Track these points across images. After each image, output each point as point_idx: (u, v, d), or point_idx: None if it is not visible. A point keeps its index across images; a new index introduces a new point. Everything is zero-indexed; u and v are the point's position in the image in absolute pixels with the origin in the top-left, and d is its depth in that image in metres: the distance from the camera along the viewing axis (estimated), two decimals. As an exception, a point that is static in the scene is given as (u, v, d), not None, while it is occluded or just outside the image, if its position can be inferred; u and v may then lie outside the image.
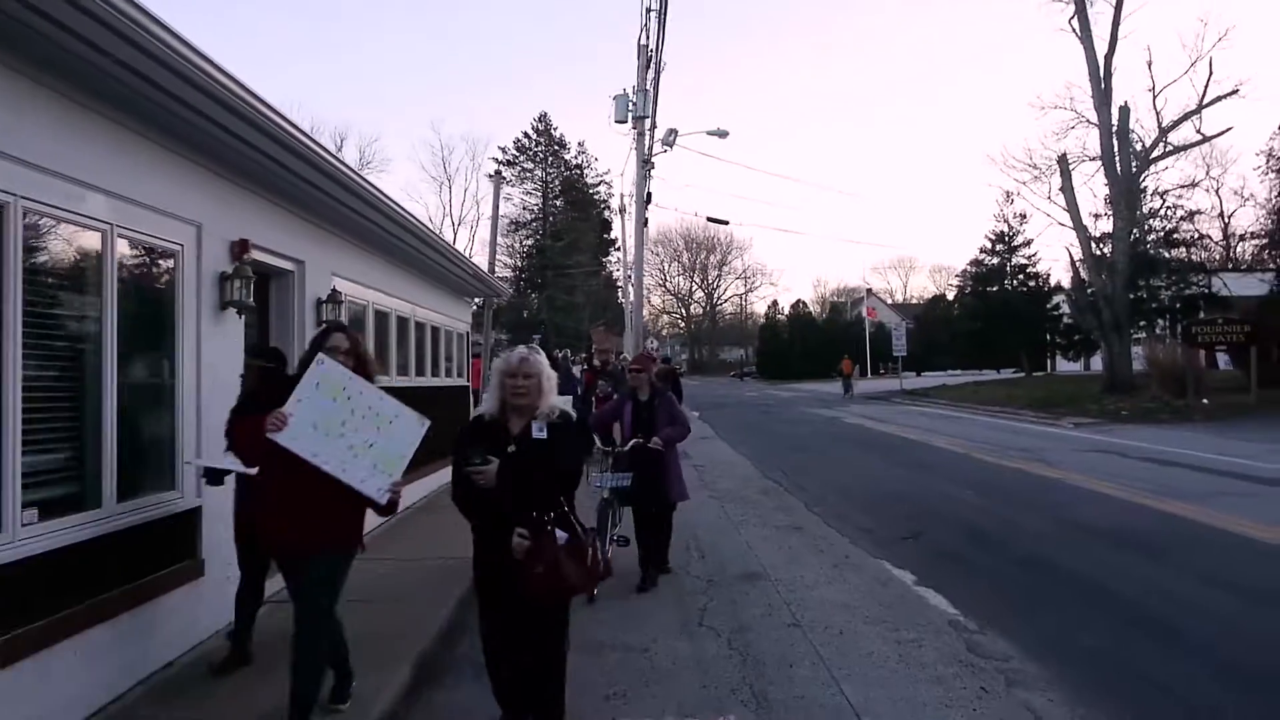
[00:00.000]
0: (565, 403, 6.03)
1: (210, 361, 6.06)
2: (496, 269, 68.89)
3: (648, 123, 28.97)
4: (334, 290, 8.28)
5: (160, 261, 5.69)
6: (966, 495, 12.29)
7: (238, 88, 5.06)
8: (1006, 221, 51.31)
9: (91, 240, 4.90)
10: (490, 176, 15.87)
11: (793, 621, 6.56)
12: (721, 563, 8.57)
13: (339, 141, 76.70)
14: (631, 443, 7.52)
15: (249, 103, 5.24)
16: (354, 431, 4.34)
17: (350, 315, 9.35)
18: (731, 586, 7.68)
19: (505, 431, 4.21)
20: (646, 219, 30.12)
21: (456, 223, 71.78)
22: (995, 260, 52.59)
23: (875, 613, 6.75)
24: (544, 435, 4.17)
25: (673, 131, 29.34)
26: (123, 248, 5.17)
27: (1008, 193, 48.45)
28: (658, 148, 29.54)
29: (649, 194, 28.57)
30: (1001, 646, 5.92)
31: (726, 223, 32.11)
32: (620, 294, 63.55)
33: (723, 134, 30.40)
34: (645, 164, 27.96)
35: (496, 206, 16.08)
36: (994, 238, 52.15)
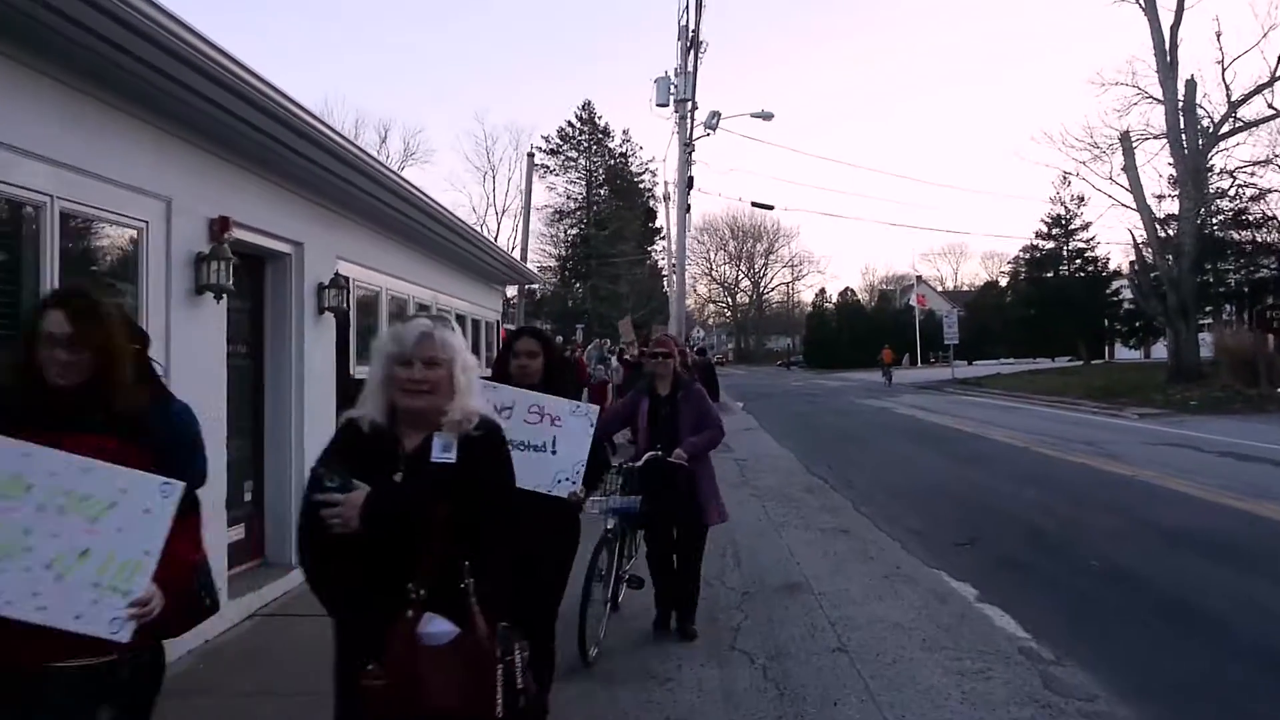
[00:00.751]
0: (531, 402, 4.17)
1: (184, 351, 5.44)
2: (539, 259, 68.42)
3: (689, 105, 28.18)
4: (337, 274, 7.64)
5: (118, 240, 5.07)
6: (1028, 493, 11.38)
7: (197, 40, 4.41)
8: (1063, 204, 49.56)
9: (25, 214, 4.28)
10: (529, 157, 15.08)
11: (838, 646, 5.78)
12: (759, 572, 7.81)
13: (383, 133, 76.87)
14: (646, 456, 5.78)
15: (214, 59, 4.59)
16: (50, 539, 2.42)
17: (361, 301, 8.73)
18: (770, 600, 6.92)
19: (395, 447, 2.64)
20: (689, 205, 29.36)
21: (500, 212, 71.43)
22: (1051, 245, 50.86)
23: (933, 635, 5.95)
24: (450, 457, 2.61)
25: (715, 114, 28.52)
26: (68, 223, 4.55)
27: (1065, 174, 46.65)
28: (700, 131, 28.73)
29: (691, 178, 27.77)
30: (1082, 680, 5.09)
31: (772, 207, 31.14)
32: (665, 283, 62.75)
33: (767, 116, 29.47)
34: (686, 147, 27.16)
35: (529, 189, 15.43)
36: (1050, 221, 50.41)
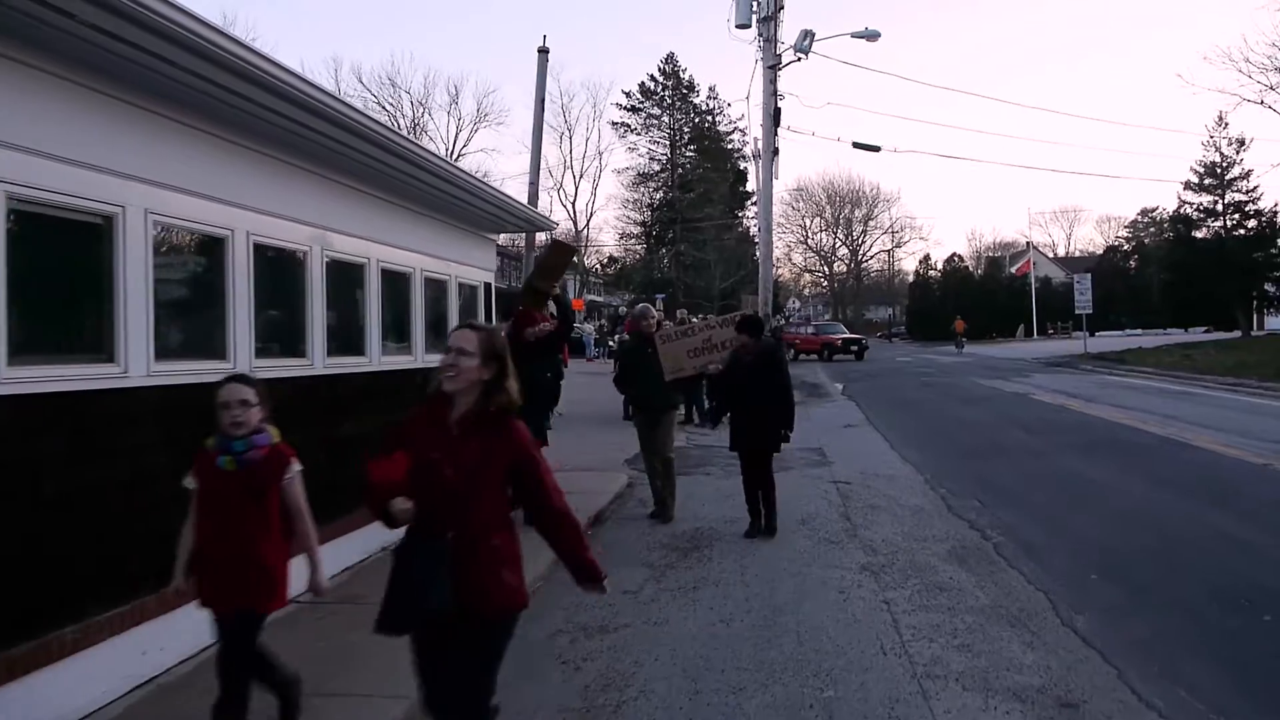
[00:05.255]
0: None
1: None
2: (621, 225, 63.92)
3: (775, 19, 23.12)
4: None
5: None
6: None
7: None
8: (1218, 150, 42.39)
9: None
10: (540, 53, 10.61)
11: None
12: None
13: (454, 92, 72.67)
14: None
15: None
16: None
17: (43, 228, 4.19)
18: None
19: None
20: (777, 148, 24.31)
21: (578, 176, 66.96)
22: (1204, 198, 43.71)
23: None
24: None
25: (808, 34, 23.32)
26: None
27: (1220, 115, 40.07)
28: (790, 56, 23.63)
29: (778, 111, 22.69)
30: None
31: (878, 149, 25.71)
32: (756, 250, 57.08)
33: (872, 35, 24.12)
34: (772, 71, 22.09)
35: (541, 91, 10.79)
36: (1202, 170, 43.23)
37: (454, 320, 9.33)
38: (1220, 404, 18.77)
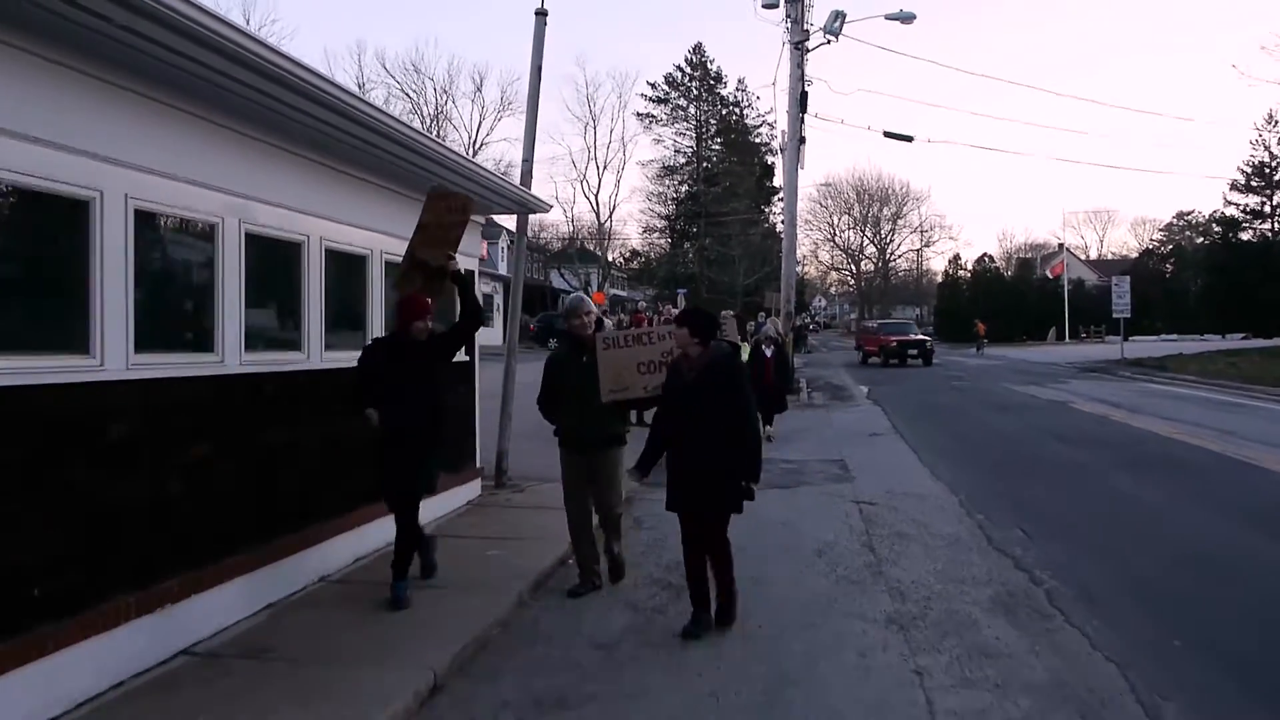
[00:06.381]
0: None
1: None
2: (646, 219, 62.74)
3: (803, 4, 21.84)
4: None
5: None
6: None
7: None
8: (1267, 149, 40.62)
9: None
10: (538, 15, 9.54)
11: None
12: None
13: (478, 80, 71.67)
14: None
15: None
16: None
17: None
18: None
19: None
20: (803, 136, 23.07)
21: (601, 167, 65.72)
22: (1251, 199, 41.94)
23: None
24: None
25: (838, 14, 21.99)
26: None
27: (1270, 113, 38.28)
28: (820, 38, 22.32)
29: (804, 94, 21.39)
30: None
31: (910, 139, 24.40)
32: (781, 247, 55.32)
33: (907, 18, 22.78)
34: (799, 50, 20.79)
35: (539, 56, 9.65)
36: (1249, 170, 41.47)
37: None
38: (1277, 418, 17.33)
